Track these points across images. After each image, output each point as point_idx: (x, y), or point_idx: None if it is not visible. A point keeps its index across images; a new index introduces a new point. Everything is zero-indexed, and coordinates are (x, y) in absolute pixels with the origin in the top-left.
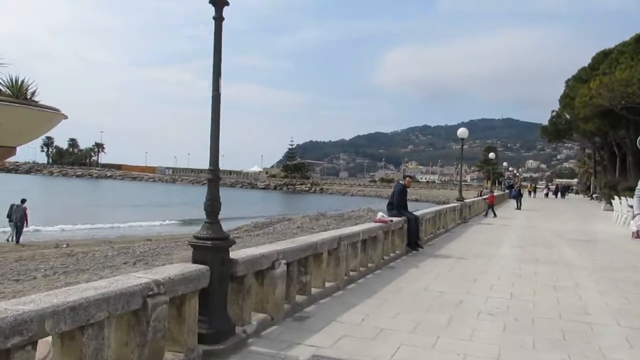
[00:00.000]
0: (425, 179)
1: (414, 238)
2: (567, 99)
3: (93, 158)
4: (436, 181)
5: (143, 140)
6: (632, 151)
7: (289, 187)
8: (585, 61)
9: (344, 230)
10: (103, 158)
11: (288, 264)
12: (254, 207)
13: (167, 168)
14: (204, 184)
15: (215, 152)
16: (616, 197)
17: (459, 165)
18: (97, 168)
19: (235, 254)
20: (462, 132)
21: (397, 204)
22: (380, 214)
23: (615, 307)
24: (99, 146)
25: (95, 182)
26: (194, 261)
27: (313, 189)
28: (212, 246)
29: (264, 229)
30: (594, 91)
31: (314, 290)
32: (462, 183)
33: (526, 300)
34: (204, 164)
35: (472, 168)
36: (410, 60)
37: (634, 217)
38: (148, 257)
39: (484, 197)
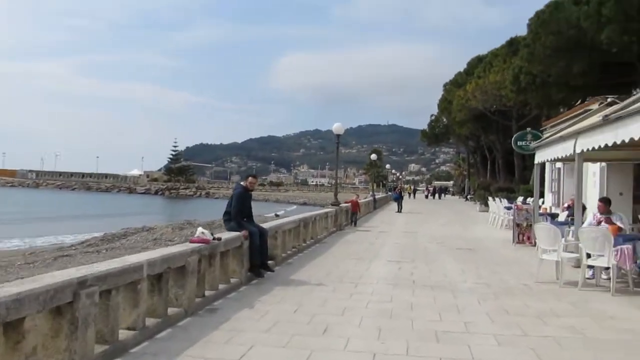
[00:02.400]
0: (316, 182)
1: (257, 259)
2: (445, 103)
3: None
4: (325, 184)
5: (2, 141)
6: (502, 154)
7: (171, 191)
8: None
9: (97, 266)
10: None
11: None
12: (125, 214)
13: (30, 171)
14: (73, 189)
15: None
16: (496, 199)
17: (348, 169)
18: None
19: None
20: (337, 127)
21: (236, 213)
22: (200, 230)
23: None
24: None
25: None
26: None
27: (198, 193)
28: None
29: (113, 242)
30: (470, 94)
31: None
32: (350, 186)
33: None
34: (76, 166)
35: (360, 171)
36: (304, 65)
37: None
38: None
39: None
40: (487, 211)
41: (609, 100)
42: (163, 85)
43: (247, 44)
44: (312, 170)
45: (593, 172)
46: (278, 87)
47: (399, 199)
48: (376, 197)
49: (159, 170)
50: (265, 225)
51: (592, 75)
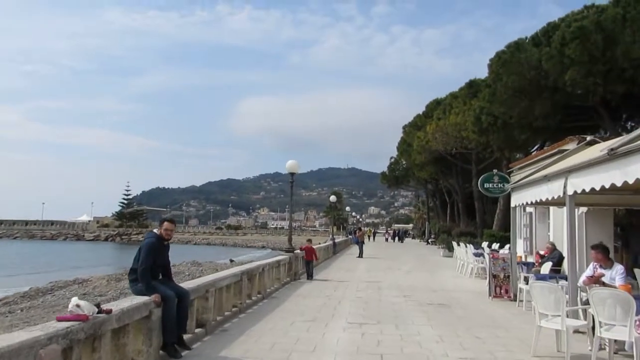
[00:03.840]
0: (276, 225)
1: (171, 335)
2: (404, 146)
3: None
4: (285, 227)
5: None
6: (462, 198)
7: (122, 237)
8: None
9: None
10: None
11: None
12: (67, 265)
13: None
14: (15, 237)
15: None
16: (460, 244)
17: (308, 211)
18: None
19: None
20: (291, 165)
21: (145, 271)
22: (73, 302)
23: None
24: None
25: None
26: None
27: None
28: None
29: (36, 299)
30: (430, 135)
31: None
32: (310, 228)
33: None
34: (21, 214)
35: (321, 214)
36: (263, 110)
37: None
38: None
39: (301, 247)
40: (452, 256)
41: (588, 139)
42: (119, 131)
43: (205, 89)
44: (273, 213)
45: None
46: (237, 131)
47: (359, 243)
48: (336, 241)
49: (112, 215)
50: (194, 283)
51: (554, 117)
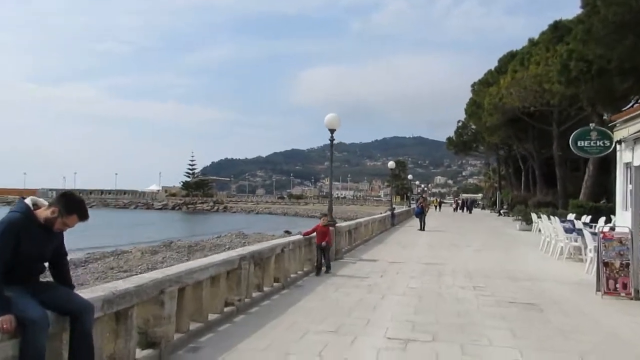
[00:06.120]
0: (338, 195)
1: None
2: (472, 107)
3: None
4: (347, 196)
5: (24, 161)
6: (539, 164)
7: (188, 206)
8: None
9: None
10: None
11: None
12: (134, 232)
13: (50, 190)
14: (92, 206)
15: None
16: (542, 216)
17: (373, 181)
18: None
19: None
20: (330, 119)
21: None
22: None
23: None
24: None
25: None
26: None
27: (216, 207)
28: None
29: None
30: (504, 91)
31: None
32: (374, 198)
33: None
34: (96, 183)
35: (385, 184)
36: (326, 79)
37: None
38: None
39: (312, 230)
40: (530, 230)
41: None
42: (186, 104)
43: (268, 60)
44: (337, 183)
45: None
46: (301, 101)
47: (420, 215)
48: (395, 211)
49: (179, 185)
50: (135, 281)
51: None
